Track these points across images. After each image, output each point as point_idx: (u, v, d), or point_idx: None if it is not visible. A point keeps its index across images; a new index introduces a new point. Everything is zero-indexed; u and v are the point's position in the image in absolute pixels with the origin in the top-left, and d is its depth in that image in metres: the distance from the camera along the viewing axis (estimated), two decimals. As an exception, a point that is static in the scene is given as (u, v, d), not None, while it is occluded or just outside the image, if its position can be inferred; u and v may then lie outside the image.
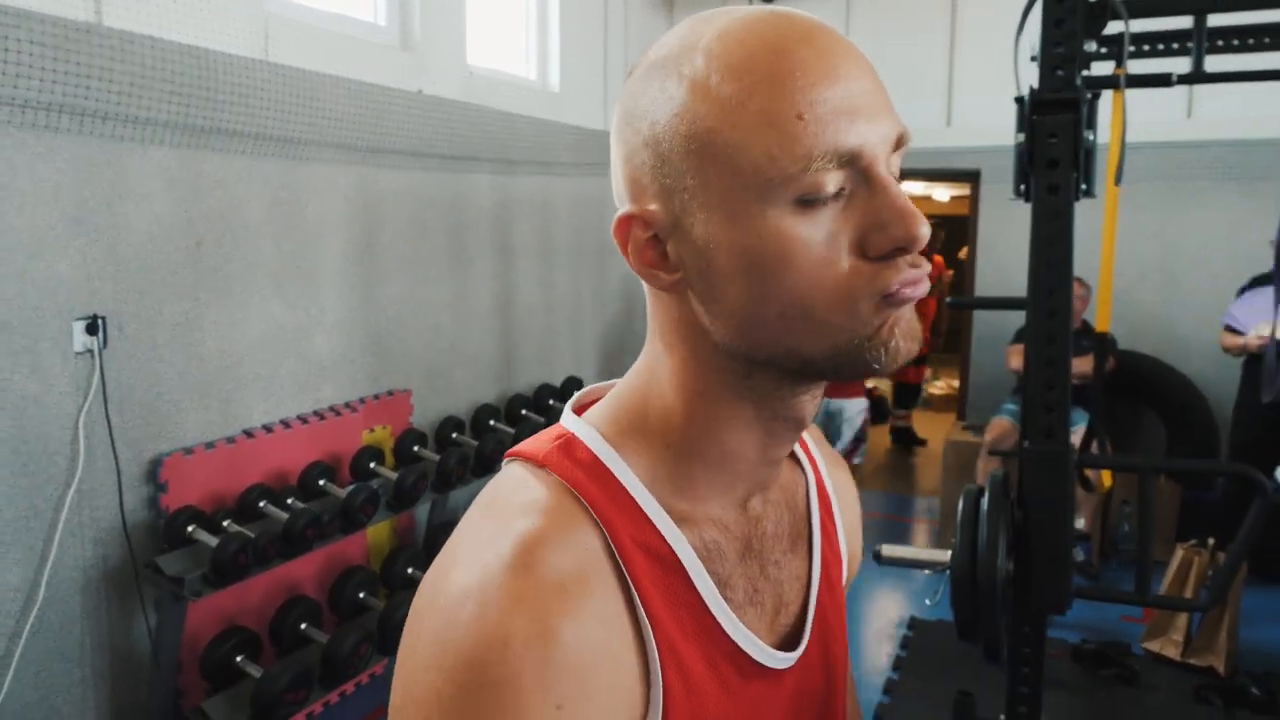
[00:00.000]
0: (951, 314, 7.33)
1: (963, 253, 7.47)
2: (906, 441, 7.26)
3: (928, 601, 2.73)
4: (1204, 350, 4.92)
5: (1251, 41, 2.62)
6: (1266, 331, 3.83)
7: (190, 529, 2.71)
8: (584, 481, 0.64)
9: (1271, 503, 1.87)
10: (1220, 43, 2.60)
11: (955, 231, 8.03)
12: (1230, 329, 4.16)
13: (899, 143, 0.61)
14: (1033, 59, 1.98)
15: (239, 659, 2.74)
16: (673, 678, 0.62)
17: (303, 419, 3.34)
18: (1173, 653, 3.61)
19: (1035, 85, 1.91)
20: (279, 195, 3.24)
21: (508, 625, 0.55)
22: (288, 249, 3.28)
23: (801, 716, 0.74)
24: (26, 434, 2.47)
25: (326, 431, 3.40)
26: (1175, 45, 2.65)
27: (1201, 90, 4.87)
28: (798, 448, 0.80)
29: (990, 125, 5.27)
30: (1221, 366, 4.68)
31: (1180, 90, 4.89)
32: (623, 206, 0.65)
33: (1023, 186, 1.98)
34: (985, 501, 1.94)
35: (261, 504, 2.94)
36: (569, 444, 0.66)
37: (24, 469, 2.47)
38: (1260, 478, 1.88)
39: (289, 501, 3.01)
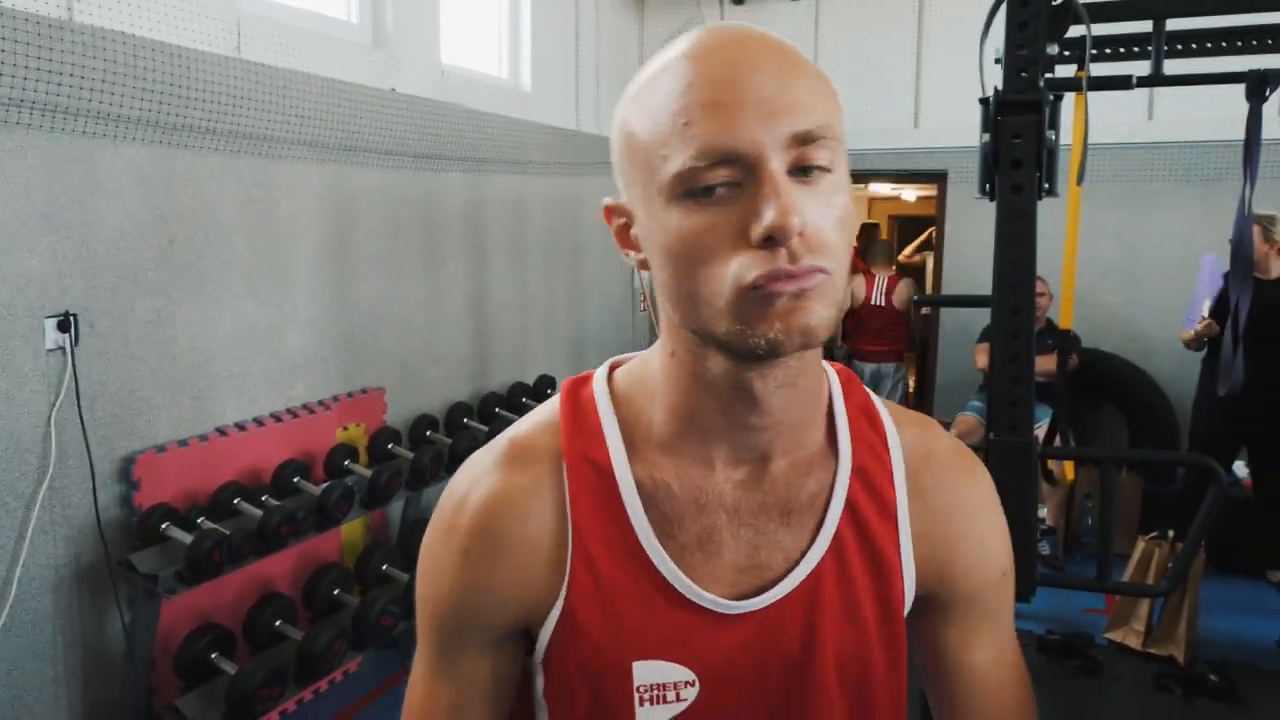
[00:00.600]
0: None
1: (905, 253, 7.51)
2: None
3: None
4: (1164, 348, 5.03)
5: (1209, 45, 2.70)
6: (1206, 311, 3.93)
7: (164, 526, 2.71)
8: (569, 408, 0.80)
9: (1226, 491, 1.93)
10: (1179, 46, 2.68)
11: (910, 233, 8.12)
12: (1188, 325, 4.26)
13: (804, 138, 0.65)
14: (997, 61, 2.03)
15: (213, 656, 2.74)
16: (581, 573, 0.76)
17: (276, 417, 3.34)
18: (1134, 643, 3.69)
19: (1000, 87, 1.96)
20: (251, 193, 3.24)
21: (457, 490, 0.80)
22: (260, 247, 3.27)
23: (751, 669, 0.78)
24: (-4, 432, 2.46)
25: (300, 429, 3.40)
26: (1135, 49, 2.72)
27: (1161, 93, 4.98)
28: (847, 445, 0.82)
29: (957, 126, 5.35)
30: (1181, 364, 4.79)
31: (1140, 93, 5.00)
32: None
33: (988, 186, 2.03)
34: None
35: (235, 501, 2.94)
36: (581, 383, 0.83)
37: (-6, 467, 2.46)
38: (1215, 466, 1.95)
39: (263, 499, 3.02)
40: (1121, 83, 2.43)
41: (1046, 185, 2.01)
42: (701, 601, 0.76)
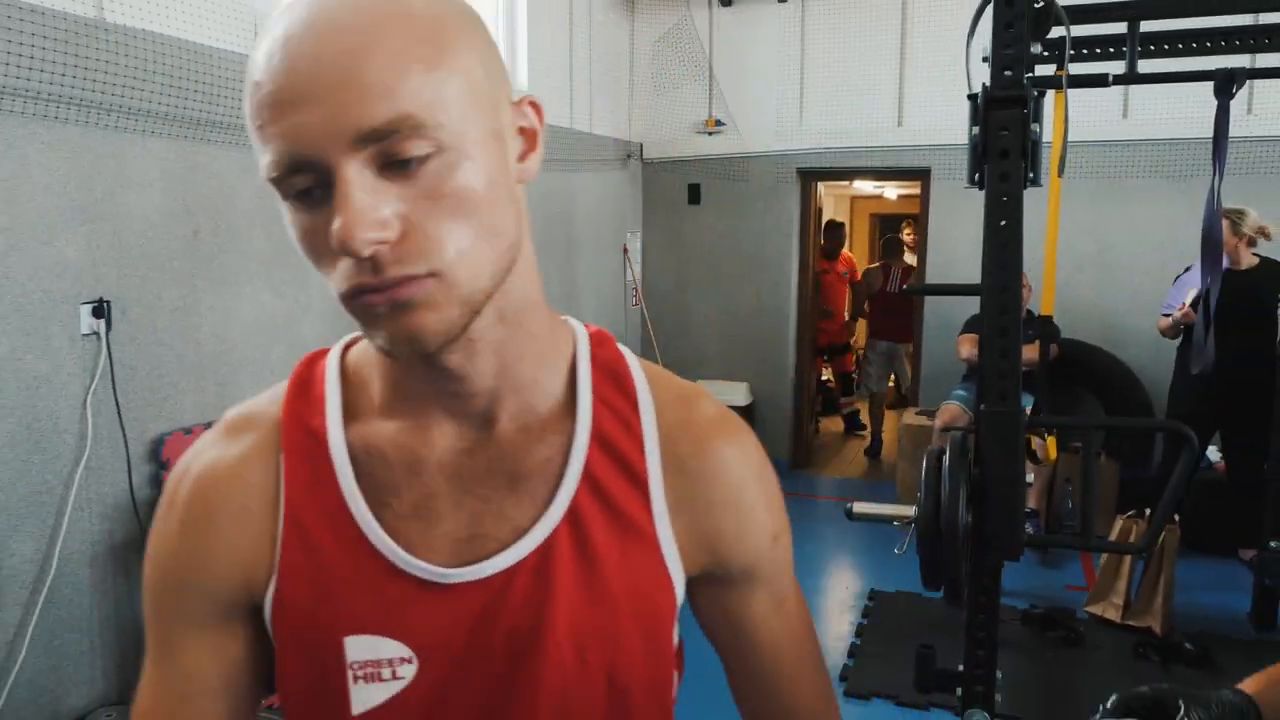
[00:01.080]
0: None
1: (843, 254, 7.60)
2: (853, 428, 7.57)
3: (896, 551, 2.95)
4: (1140, 338, 5.23)
5: (1180, 46, 2.88)
6: (1189, 300, 4.13)
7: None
8: (298, 380, 0.77)
9: (1198, 454, 2.10)
10: (1152, 47, 2.85)
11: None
12: (1166, 315, 4.46)
13: (378, 135, 0.58)
14: (984, 60, 2.19)
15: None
16: (292, 543, 0.72)
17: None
18: (1113, 615, 3.88)
19: (987, 83, 2.12)
20: (268, 187, 3.35)
21: (180, 465, 0.77)
22: (277, 238, 3.40)
23: (473, 645, 0.72)
24: (38, 413, 2.58)
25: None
26: (1111, 50, 2.90)
27: (1136, 92, 5.18)
28: (587, 404, 0.76)
29: (939, 125, 5.54)
30: (1156, 353, 4.99)
31: (1116, 92, 5.19)
32: None
33: (977, 176, 2.19)
34: (946, 460, 2.16)
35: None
36: (316, 357, 0.79)
37: (36, 446, 2.57)
38: (1189, 431, 2.12)
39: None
40: (1098, 80, 2.60)
41: (1031, 175, 2.18)
42: (414, 571, 0.71)
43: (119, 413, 2.76)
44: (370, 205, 0.58)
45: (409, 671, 0.71)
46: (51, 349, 2.61)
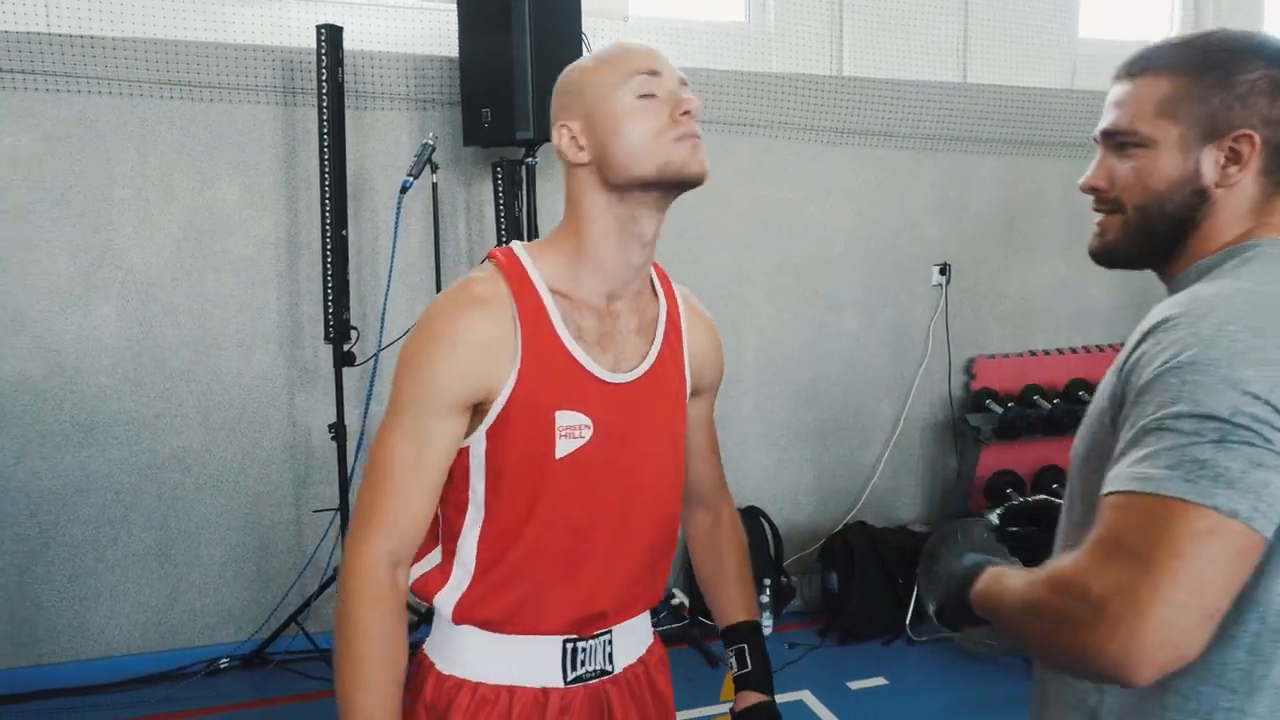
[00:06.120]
0: None
1: None
2: None
3: None
4: None
5: None
6: None
7: (987, 402, 4.21)
8: (504, 264, 1.19)
9: None
10: None
11: None
12: None
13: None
14: None
15: (1008, 490, 4.16)
16: (528, 359, 1.15)
17: (1073, 350, 4.58)
18: None
19: None
20: (1072, 192, 4.50)
21: (443, 309, 1.17)
22: (1074, 224, 4.52)
23: (625, 417, 1.21)
24: (898, 332, 4.24)
25: (1090, 361, 4.57)
26: None
27: None
28: (662, 295, 1.30)
29: None
30: None
31: None
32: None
33: None
34: None
35: (1034, 397, 4.30)
36: (504, 253, 1.22)
37: (895, 355, 4.25)
38: None
39: (1054, 401, 4.30)
40: None
41: None
42: (597, 373, 1.17)
43: (948, 339, 4.28)
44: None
45: (587, 434, 1.17)
46: (913, 293, 4.23)
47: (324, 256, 3.19)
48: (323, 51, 3.09)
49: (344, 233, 3.18)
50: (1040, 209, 4.46)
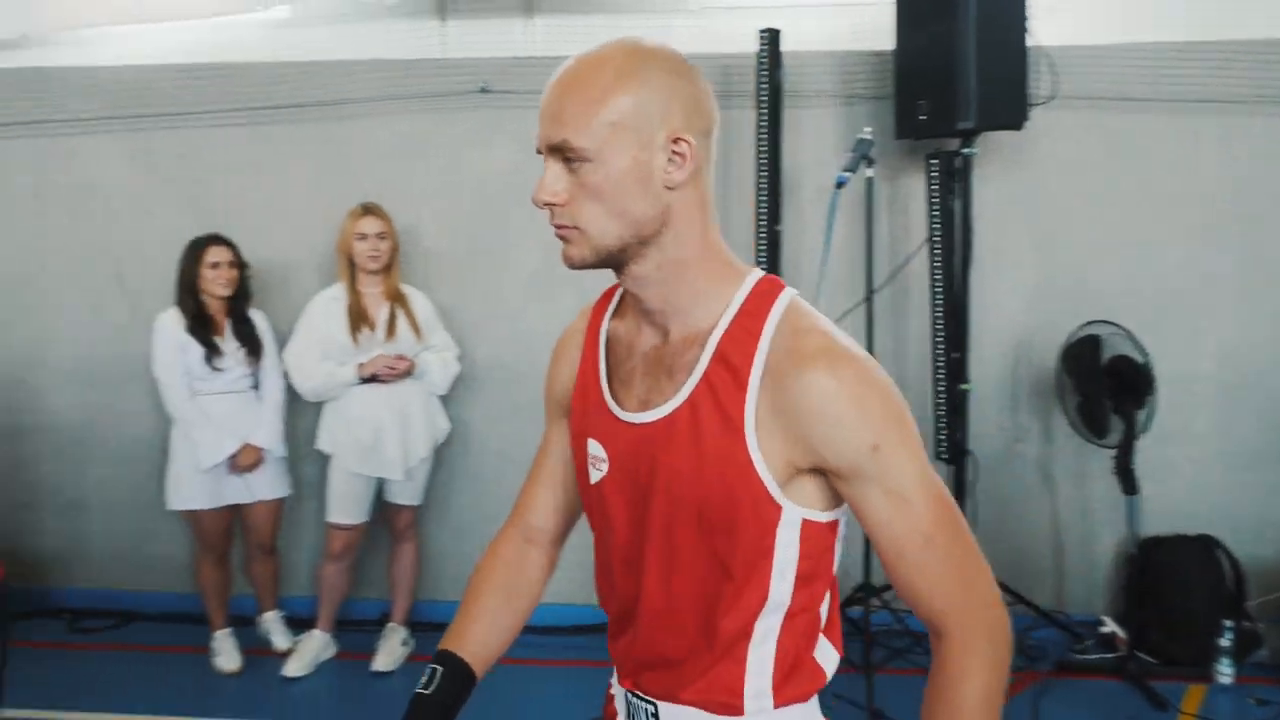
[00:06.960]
0: None
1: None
2: None
3: None
4: None
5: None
6: None
7: None
8: (605, 294, 1.25)
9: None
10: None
11: None
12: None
13: (555, 146, 1.03)
14: None
15: None
16: (579, 388, 1.22)
17: None
18: None
19: None
20: None
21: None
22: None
23: (633, 457, 1.13)
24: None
25: None
26: None
27: None
28: (717, 334, 1.07)
29: None
30: None
31: None
32: None
33: None
34: None
35: None
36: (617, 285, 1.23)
37: None
38: None
39: None
40: None
41: None
42: (617, 413, 1.15)
43: None
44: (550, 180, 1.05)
45: (605, 467, 1.17)
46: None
47: (755, 252, 3.31)
48: (763, 54, 3.20)
49: (777, 228, 3.27)
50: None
